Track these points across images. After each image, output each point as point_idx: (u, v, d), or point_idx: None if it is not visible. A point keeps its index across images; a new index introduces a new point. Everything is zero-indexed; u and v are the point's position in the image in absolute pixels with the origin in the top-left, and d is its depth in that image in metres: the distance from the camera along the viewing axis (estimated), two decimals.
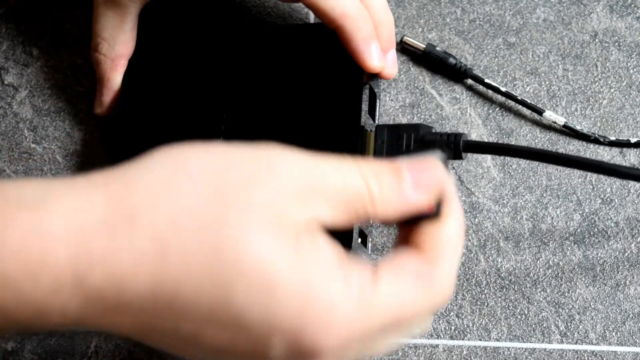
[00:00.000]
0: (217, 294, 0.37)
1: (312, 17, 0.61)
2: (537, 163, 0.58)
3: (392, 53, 0.55)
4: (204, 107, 0.55)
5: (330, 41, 0.55)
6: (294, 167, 0.39)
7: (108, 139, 0.58)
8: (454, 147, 0.53)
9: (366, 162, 0.41)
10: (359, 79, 0.54)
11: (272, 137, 0.52)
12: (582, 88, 0.60)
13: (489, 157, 0.58)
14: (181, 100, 0.56)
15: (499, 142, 0.57)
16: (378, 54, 0.54)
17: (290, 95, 0.55)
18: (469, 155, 0.58)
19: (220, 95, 0.55)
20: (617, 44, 0.61)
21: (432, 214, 0.42)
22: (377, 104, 0.57)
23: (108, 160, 0.58)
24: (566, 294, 0.56)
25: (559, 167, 0.58)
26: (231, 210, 0.37)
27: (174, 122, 0.55)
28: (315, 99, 0.54)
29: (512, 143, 0.58)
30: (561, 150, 0.59)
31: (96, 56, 0.57)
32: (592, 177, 0.58)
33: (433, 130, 0.55)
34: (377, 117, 0.57)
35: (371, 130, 0.55)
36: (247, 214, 0.37)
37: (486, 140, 0.59)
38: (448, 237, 0.41)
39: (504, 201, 0.58)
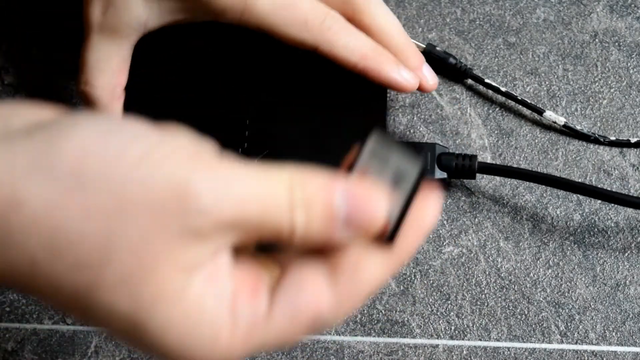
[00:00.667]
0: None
1: None
2: (537, 162, 0.58)
3: (426, 67, 0.56)
4: (226, 114, 0.55)
5: None
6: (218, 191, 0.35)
7: None
8: (469, 168, 0.56)
9: (301, 184, 0.36)
10: (383, 93, 0.56)
11: (294, 145, 0.53)
12: (582, 88, 0.60)
13: (489, 157, 0.58)
14: (199, 109, 0.55)
15: (512, 165, 0.58)
16: (409, 76, 0.54)
17: (314, 107, 0.55)
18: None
19: (242, 102, 0.55)
20: (617, 44, 0.61)
21: (385, 238, 0.38)
22: (386, 116, 0.58)
23: None
24: (566, 294, 0.56)
25: (559, 167, 0.58)
26: (119, 241, 0.34)
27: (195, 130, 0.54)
28: (339, 108, 0.55)
29: (524, 167, 0.58)
30: (561, 151, 0.59)
31: (89, 90, 0.53)
32: (592, 177, 0.58)
33: (448, 150, 0.57)
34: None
35: None
36: (163, 230, 0.34)
37: (486, 140, 0.59)
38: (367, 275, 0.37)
39: (504, 201, 0.58)
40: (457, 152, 0.57)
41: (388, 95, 0.58)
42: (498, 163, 0.58)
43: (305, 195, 0.36)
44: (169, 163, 0.35)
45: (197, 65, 0.57)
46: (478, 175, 0.57)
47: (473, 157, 0.56)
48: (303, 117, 0.55)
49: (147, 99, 0.56)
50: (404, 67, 0.54)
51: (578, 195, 0.58)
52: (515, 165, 0.58)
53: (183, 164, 0.35)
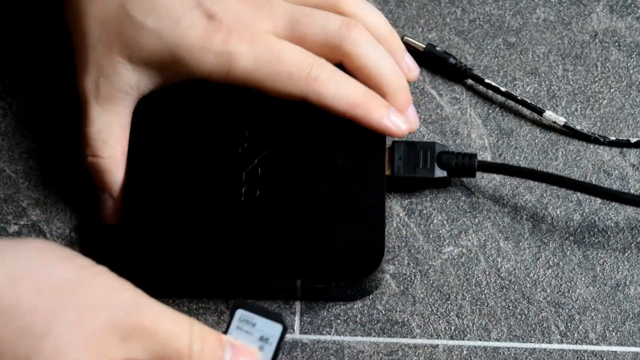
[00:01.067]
0: None
1: None
2: (537, 163, 0.58)
3: (411, 110, 0.56)
4: (223, 161, 0.55)
5: None
6: (131, 301, 0.45)
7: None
8: (469, 166, 0.56)
9: (199, 325, 0.46)
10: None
11: (292, 145, 0.54)
12: (582, 88, 0.60)
13: (489, 157, 0.58)
14: (197, 157, 0.55)
15: (511, 164, 0.58)
16: (399, 122, 0.55)
17: (311, 141, 0.55)
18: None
19: (239, 148, 0.55)
20: (617, 44, 0.61)
21: None
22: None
23: None
24: (566, 294, 0.56)
25: (559, 167, 0.58)
26: (60, 319, 0.43)
27: (191, 179, 0.55)
28: (337, 143, 0.55)
29: (524, 166, 0.58)
30: (561, 151, 0.59)
31: (97, 161, 0.55)
32: (592, 177, 0.58)
33: (448, 149, 0.57)
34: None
35: (388, 147, 0.56)
36: (73, 329, 0.43)
37: (486, 140, 0.59)
38: None
39: (504, 201, 0.58)
40: (456, 151, 0.57)
41: None
42: (498, 162, 0.58)
43: (202, 332, 0.45)
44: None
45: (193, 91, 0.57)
46: (478, 174, 0.57)
47: (473, 156, 0.56)
48: (301, 121, 0.55)
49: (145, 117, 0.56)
50: (394, 112, 0.55)
51: (578, 195, 0.58)
52: (516, 165, 0.58)
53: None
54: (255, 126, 0.55)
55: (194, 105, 0.56)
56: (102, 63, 0.53)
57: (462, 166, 0.56)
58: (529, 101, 0.59)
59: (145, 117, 0.56)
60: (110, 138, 0.54)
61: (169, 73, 0.54)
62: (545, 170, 0.58)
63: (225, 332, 0.47)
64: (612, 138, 0.59)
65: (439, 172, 0.56)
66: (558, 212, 0.57)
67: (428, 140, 0.58)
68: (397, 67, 0.56)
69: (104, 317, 0.43)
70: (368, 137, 0.55)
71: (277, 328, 0.47)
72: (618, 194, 0.55)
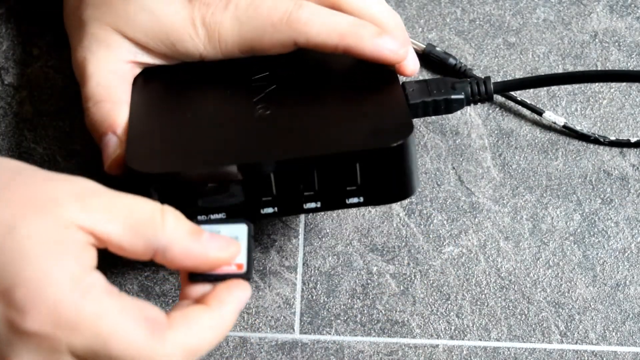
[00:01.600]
0: None
1: None
2: (537, 163, 0.58)
3: (410, 50, 0.53)
4: (232, 96, 0.53)
5: None
6: (94, 184, 0.44)
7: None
8: (485, 87, 0.53)
9: (173, 209, 0.44)
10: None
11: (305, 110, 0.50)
12: (582, 88, 0.60)
13: (489, 157, 0.58)
14: (206, 97, 0.53)
15: (527, 76, 0.56)
16: (395, 45, 0.52)
17: (318, 77, 0.53)
18: (469, 155, 0.58)
19: (250, 82, 0.53)
20: (617, 44, 0.61)
21: (242, 273, 0.46)
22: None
23: None
24: (566, 294, 0.56)
25: (559, 167, 0.58)
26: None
27: (203, 114, 0.52)
28: (345, 75, 0.53)
29: (540, 74, 0.57)
30: (561, 151, 0.59)
31: (99, 106, 0.53)
32: (592, 177, 0.58)
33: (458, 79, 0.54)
34: None
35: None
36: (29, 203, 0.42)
37: (486, 140, 0.59)
38: (201, 316, 0.45)
39: (504, 201, 0.58)
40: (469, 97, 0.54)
41: None
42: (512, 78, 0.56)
43: (177, 213, 0.44)
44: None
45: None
46: (480, 170, 0.57)
47: (487, 78, 0.54)
48: (307, 68, 0.54)
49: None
50: (388, 36, 0.52)
51: (578, 195, 0.58)
52: (529, 102, 0.58)
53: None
54: (259, 74, 0.54)
55: (197, 67, 0.55)
56: (97, 33, 0.53)
57: (478, 88, 0.54)
58: (528, 101, 0.59)
59: (148, 79, 0.55)
60: (112, 86, 0.53)
61: (165, 53, 0.53)
62: (545, 170, 0.58)
63: None
64: (612, 138, 0.59)
65: (456, 94, 0.53)
66: (558, 212, 0.58)
67: (437, 77, 0.56)
68: (391, 9, 0.54)
69: (62, 187, 0.43)
70: (378, 69, 0.52)
71: (242, 228, 0.46)
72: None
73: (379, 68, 0.52)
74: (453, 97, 0.53)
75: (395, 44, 0.52)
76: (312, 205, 0.49)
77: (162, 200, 0.47)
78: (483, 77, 0.54)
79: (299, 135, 0.49)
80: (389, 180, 0.48)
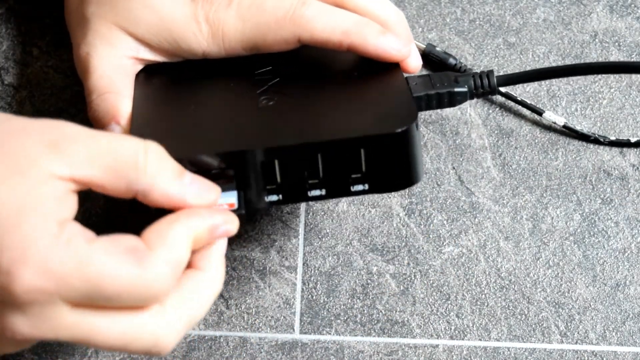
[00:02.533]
0: None
1: None
2: (537, 163, 0.58)
3: (413, 47, 0.53)
4: (235, 88, 0.53)
5: None
6: (70, 127, 0.44)
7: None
8: (488, 80, 0.53)
9: (157, 145, 0.44)
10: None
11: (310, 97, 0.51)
12: (582, 88, 0.60)
13: (489, 157, 0.58)
14: (209, 86, 0.53)
15: (529, 69, 0.56)
16: (398, 44, 0.52)
17: (322, 71, 0.53)
18: (469, 155, 0.58)
19: (249, 80, 0.53)
20: (617, 44, 0.61)
21: (235, 209, 0.47)
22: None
23: None
24: (566, 294, 0.56)
25: (559, 167, 0.58)
26: None
27: (206, 103, 0.52)
28: (349, 67, 0.53)
29: (543, 67, 0.57)
30: (561, 151, 0.59)
31: (103, 98, 0.53)
32: (592, 177, 0.58)
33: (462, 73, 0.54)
34: None
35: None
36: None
37: (486, 140, 0.59)
38: (177, 242, 0.44)
39: (504, 201, 0.58)
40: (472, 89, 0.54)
41: None
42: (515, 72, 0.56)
43: (160, 152, 0.44)
44: None
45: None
46: (480, 170, 0.57)
47: (490, 72, 0.54)
48: (310, 64, 0.54)
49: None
50: (392, 35, 0.52)
51: (578, 194, 0.58)
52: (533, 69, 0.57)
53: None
54: (264, 68, 0.54)
55: (199, 62, 0.55)
56: (100, 30, 0.53)
57: (482, 82, 0.54)
58: (528, 101, 0.59)
59: (151, 73, 0.55)
60: (115, 78, 0.53)
61: (168, 50, 0.53)
62: (545, 170, 0.58)
63: None
64: (612, 138, 0.59)
65: (459, 88, 0.53)
66: (558, 212, 0.57)
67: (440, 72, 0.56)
68: (394, 6, 0.54)
69: (33, 137, 0.43)
70: (381, 64, 0.52)
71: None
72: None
73: (385, 63, 0.52)
74: (456, 90, 0.53)
75: (398, 43, 0.52)
76: (317, 192, 0.49)
77: None
78: (486, 70, 0.54)
79: (303, 122, 0.49)
80: (394, 167, 0.48)
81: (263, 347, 0.55)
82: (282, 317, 0.55)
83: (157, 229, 0.44)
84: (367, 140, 0.47)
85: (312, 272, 0.56)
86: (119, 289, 0.42)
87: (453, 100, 0.53)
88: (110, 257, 0.42)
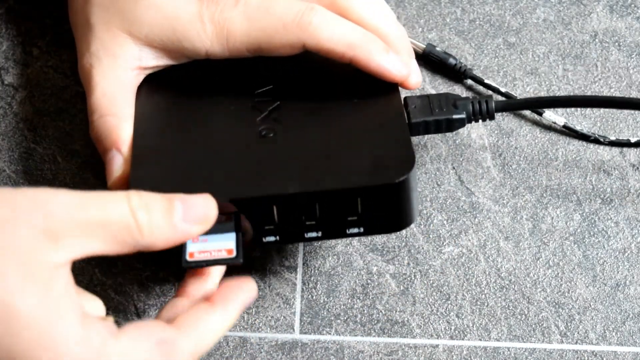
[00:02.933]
0: None
1: None
2: (537, 163, 0.58)
3: (414, 63, 0.54)
4: (235, 115, 0.53)
5: None
6: (57, 206, 0.43)
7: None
8: (487, 106, 0.54)
9: (137, 194, 0.44)
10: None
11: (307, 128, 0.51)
12: (582, 88, 0.60)
13: (489, 157, 0.58)
14: (209, 114, 0.54)
15: (528, 97, 0.57)
16: (399, 65, 0.52)
17: (321, 91, 0.54)
18: (469, 155, 0.58)
19: (249, 104, 0.54)
20: (617, 44, 0.61)
21: (232, 258, 0.47)
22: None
23: None
24: (566, 294, 0.56)
25: (559, 167, 0.58)
26: None
27: (205, 133, 0.53)
28: (348, 89, 0.53)
29: (543, 96, 0.58)
30: (561, 151, 0.59)
31: (104, 120, 0.53)
32: (592, 177, 0.58)
33: (460, 96, 0.55)
34: None
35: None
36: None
37: (486, 140, 0.59)
38: (209, 319, 0.45)
39: (504, 201, 0.58)
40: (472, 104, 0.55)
41: None
42: (517, 98, 0.57)
43: (143, 201, 0.44)
44: None
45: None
46: (480, 170, 0.57)
47: (489, 97, 0.55)
48: (310, 78, 0.54)
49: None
50: (394, 54, 0.52)
51: (578, 194, 0.58)
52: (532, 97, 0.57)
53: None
54: (263, 87, 0.54)
55: (199, 76, 0.55)
56: (104, 38, 0.53)
57: (480, 108, 0.54)
58: None
59: (152, 88, 0.55)
60: (117, 98, 0.53)
61: (172, 50, 0.53)
62: (545, 170, 0.58)
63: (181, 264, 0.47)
64: (612, 138, 0.59)
65: (457, 114, 0.54)
66: (558, 212, 0.57)
67: (441, 92, 0.56)
68: (397, 21, 0.54)
69: (26, 229, 0.42)
70: (380, 84, 0.53)
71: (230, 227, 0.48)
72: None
73: (383, 83, 0.53)
74: (455, 117, 0.53)
75: (400, 64, 0.52)
76: (313, 234, 0.50)
77: None
78: (485, 96, 0.55)
79: (302, 167, 0.49)
80: (390, 213, 0.49)
81: (263, 347, 0.55)
82: (282, 317, 0.55)
83: (191, 317, 0.45)
84: (366, 190, 0.48)
85: (312, 272, 0.56)
86: None
87: (451, 126, 0.54)
88: (143, 354, 0.43)
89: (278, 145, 0.51)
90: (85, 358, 0.41)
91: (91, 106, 0.53)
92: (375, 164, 0.49)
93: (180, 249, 0.48)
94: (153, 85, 0.55)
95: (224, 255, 0.47)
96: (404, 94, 0.56)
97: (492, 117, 0.55)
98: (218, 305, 0.45)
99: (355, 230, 0.50)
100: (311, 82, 0.54)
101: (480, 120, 0.55)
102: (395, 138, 0.50)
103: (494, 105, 0.54)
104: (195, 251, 0.48)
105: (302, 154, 0.50)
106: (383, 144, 0.50)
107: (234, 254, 0.47)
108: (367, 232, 0.50)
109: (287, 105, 0.53)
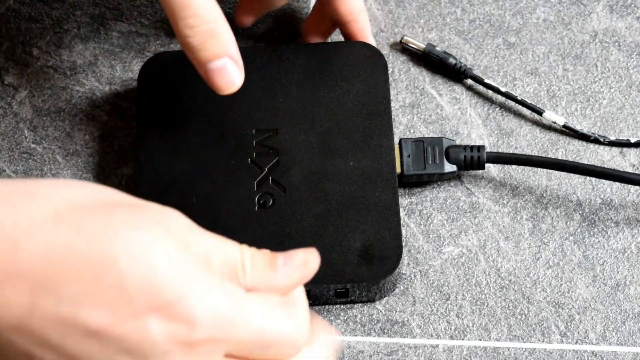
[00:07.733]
0: (103, 257, 0.39)
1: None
2: None
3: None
4: (233, 172, 0.55)
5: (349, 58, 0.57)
6: (187, 229, 0.43)
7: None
8: (478, 158, 0.56)
9: (248, 247, 0.45)
10: (387, 101, 0.56)
11: (301, 151, 0.55)
12: (582, 88, 0.60)
13: None
14: (209, 131, 0.56)
15: (520, 153, 0.58)
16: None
17: (320, 113, 0.56)
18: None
19: (247, 158, 0.56)
20: (617, 44, 0.61)
21: None
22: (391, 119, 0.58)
23: (108, 162, 0.58)
24: (566, 294, 0.56)
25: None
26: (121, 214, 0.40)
27: (203, 155, 0.55)
28: (345, 144, 0.56)
29: (534, 154, 0.59)
30: (561, 151, 0.59)
31: (208, 27, 0.51)
32: (592, 177, 0.58)
33: (455, 144, 0.57)
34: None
35: (396, 145, 0.56)
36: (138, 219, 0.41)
37: (486, 140, 0.59)
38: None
39: (504, 201, 0.58)
40: (464, 144, 0.57)
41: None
42: (506, 152, 0.58)
43: (251, 249, 0.44)
44: None
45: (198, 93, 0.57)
46: (480, 170, 0.57)
47: (481, 147, 0.56)
48: (309, 124, 0.56)
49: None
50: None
51: (578, 195, 0.58)
52: (525, 154, 0.58)
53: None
54: (262, 131, 0.56)
55: (199, 113, 0.56)
56: None
57: (472, 159, 0.56)
58: (528, 101, 0.59)
59: (152, 131, 0.56)
60: (212, 3, 0.52)
61: None
62: (545, 170, 0.58)
63: None
64: (612, 138, 0.59)
65: (449, 167, 0.56)
66: (558, 212, 0.57)
67: (435, 136, 0.58)
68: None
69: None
70: (376, 137, 0.55)
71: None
72: (633, 176, 0.55)
73: (380, 143, 0.56)
74: (446, 171, 0.56)
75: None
76: None
77: None
78: (477, 146, 0.57)
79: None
80: (375, 292, 0.55)
81: None
82: None
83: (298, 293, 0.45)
84: (353, 282, 0.53)
85: None
86: (278, 341, 0.42)
87: (442, 178, 0.57)
88: (271, 310, 0.43)
89: (274, 223, 0.54)
90: (228, 304, 0.41)
91: (192, 17, 0.51)
92: (364, 257, 0.53)
93: None
94: (155, 132, 0.56)
95: None
96: (398, 135, 0.58)
97: (482, 167, 0.57)
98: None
99: (343, 299, 0.55)
100: (311, 130, 0.56)
101: (470, 170, 0.58)
102: (388, 227, 0.54)
103: (485, 156, 0.56)
104: None
105: (297, 234, 0.54)
106: (375, 233, 0.54)
107: None
108: (353, 302, 0.55)
109: (286, 164, 0.55)
